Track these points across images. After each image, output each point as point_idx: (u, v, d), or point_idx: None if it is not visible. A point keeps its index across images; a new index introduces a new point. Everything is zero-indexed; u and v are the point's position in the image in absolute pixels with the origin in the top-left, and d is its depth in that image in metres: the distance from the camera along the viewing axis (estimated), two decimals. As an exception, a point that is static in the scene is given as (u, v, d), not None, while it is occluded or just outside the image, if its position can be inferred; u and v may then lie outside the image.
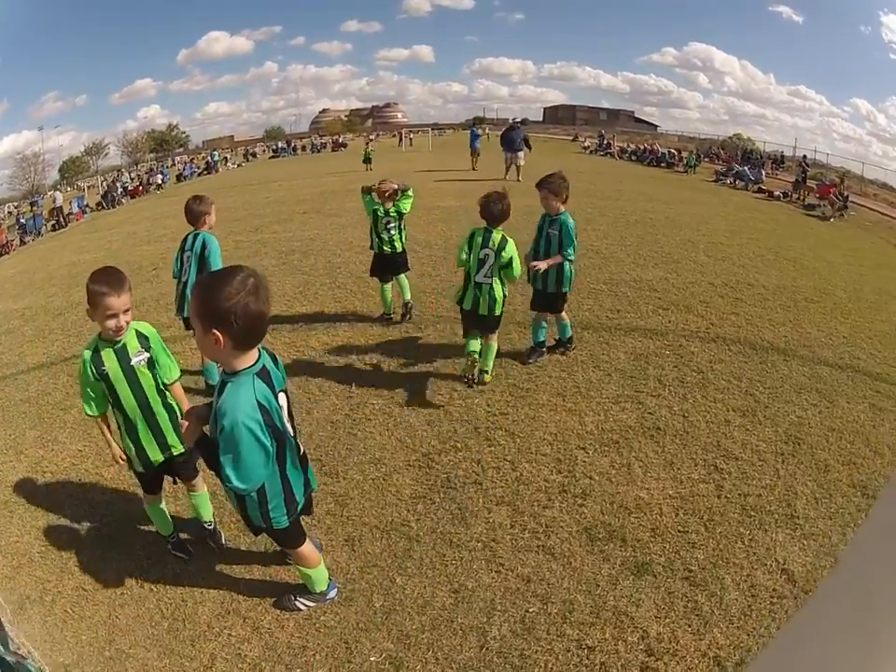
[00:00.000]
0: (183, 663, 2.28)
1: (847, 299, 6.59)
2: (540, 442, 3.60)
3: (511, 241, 4.08)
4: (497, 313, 4.09)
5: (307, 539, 2.36)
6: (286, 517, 2.16)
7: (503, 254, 4.04)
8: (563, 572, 2.60)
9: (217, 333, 1.76)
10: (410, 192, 5.23)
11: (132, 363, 2.51)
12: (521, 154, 15.20)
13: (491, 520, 2.94)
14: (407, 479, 3.28)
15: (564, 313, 4.74)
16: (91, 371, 2.46)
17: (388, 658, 2.22)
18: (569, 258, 4.44)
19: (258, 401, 1.86)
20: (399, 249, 5.27)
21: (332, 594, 2.51)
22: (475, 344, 4.12)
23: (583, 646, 2.24)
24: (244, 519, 2.24)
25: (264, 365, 1.95)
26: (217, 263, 4.07)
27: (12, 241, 17.20)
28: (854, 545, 0.46)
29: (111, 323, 2.47)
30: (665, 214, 11.34)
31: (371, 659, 2.22)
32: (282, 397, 2.02)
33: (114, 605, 2.58)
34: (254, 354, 1.93)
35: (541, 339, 4.75)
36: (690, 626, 2.31)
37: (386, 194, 5.09)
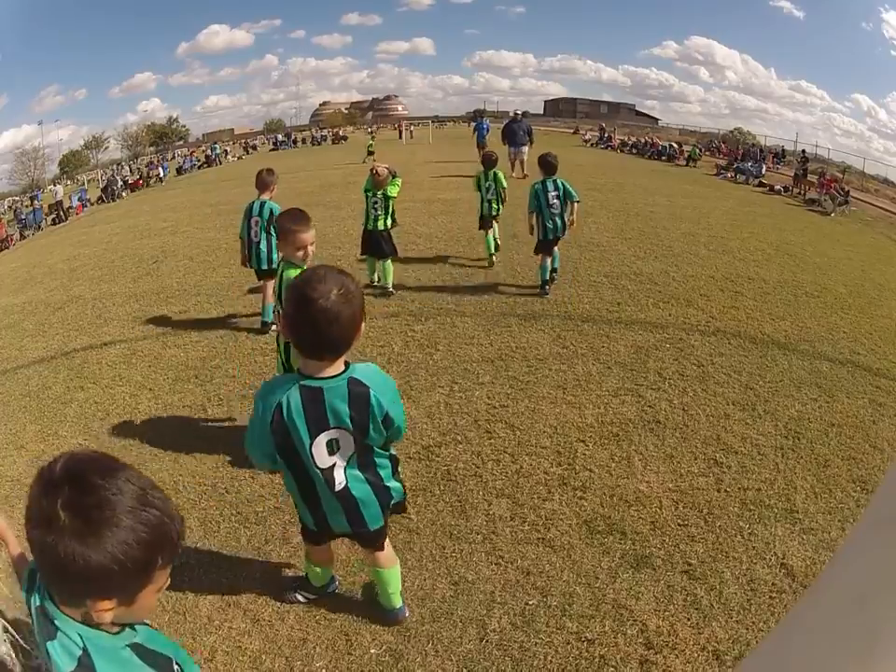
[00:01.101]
0: (184, 655, 2.29)
1: (848, 294, 6.59)
2: (540, 435, 3.60)
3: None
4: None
5: (322, 547, 2.29)
6: (313, 524, 2.06)
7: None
8: (562, 565, 2.60)
9: (288, 336, 1.83)
10: (398, 181, 5.95)
11: None
12: (525, 148, 14.45)
13: (491, 512, 2.95)
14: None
15: None
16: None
17: (388, 650, 2.23)
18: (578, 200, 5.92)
19: (277, 404, 1.76)
20: (381, 227, 5.85)
21: (332, 586, 2.50)
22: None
23: (583, 638, 2.25)
24: None
25: (321, 387, 1.76)
26: None
27: (12, 235, 17.14)
28: (851, 538, 0.46)
29: (300, 253, 3.04)
30: (666, 207, 11.32)
31: (372, 651, 2.23)
32: (336, 433, 1.81)
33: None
34: (322, 369, 1.77)
35: (547, 276, 5.96)
36: (689, 620, 2.32)
37: (380, 178, 5.77)
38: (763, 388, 4.18)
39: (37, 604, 1.08)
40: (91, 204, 21.91)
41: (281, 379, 1.87)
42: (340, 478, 1.88)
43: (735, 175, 19.42)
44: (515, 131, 14.52)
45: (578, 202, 5.83)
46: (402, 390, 4.15)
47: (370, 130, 29.15)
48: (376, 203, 5.80)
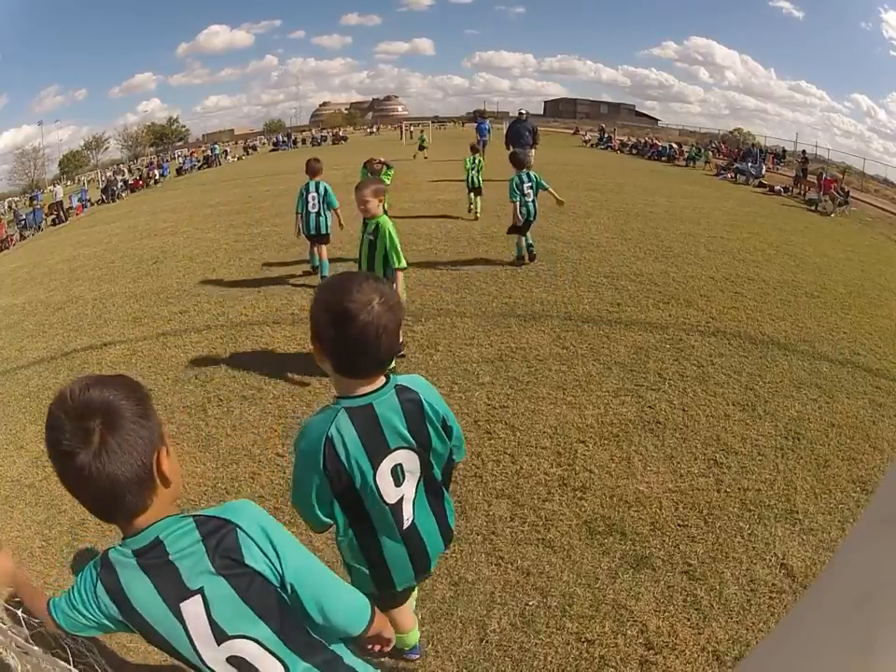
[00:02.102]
0: (184, 655, 2.29)
1: (848, 294, 6.59)
2: (540, 436, 3.60)
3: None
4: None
5: (404, 606, 1.94)
6: (374, 587, 1.68)
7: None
8: (562, 565, 2.60)
9: (317, 345, 1.44)
10: (391, 171, 7.17)
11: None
12: (530, 151, 12.51)
13: (491, 513, 2.95)
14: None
15: None
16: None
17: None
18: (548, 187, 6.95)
19: (326, 438, 1.44)
20: None
21: (413, 656, 2.18)
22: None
23: (583, 639, 2.25)
24: None
25: (371, 405, 1.48)
26: (335, 201, 6.46)
27: (12, 236, 17.15)
28: (851, 538, 0.46)
29: (361, 208, 4.03)
30: (666, 207, 11.32)
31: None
32: (401, 455, 1.54)
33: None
34: (365, 385, 1.49)
35: (524, 252, 7.06)
36: (689, 620, 2.32)
37: (375, 165, 6.94)
38: (763, 389, 4.18)
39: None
40: (91, 205, 21.92)
41: (318, 414, 1.51)
42: (408, 513, 1.61)
43: (735, 176, 19.43)
44: (521, 132, 13.22)
45: (547, 188, 6.90)
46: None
47: (421, 128, 28.83)
48: None
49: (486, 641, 2.25)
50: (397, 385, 1.53)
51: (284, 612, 1.13)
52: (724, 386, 4.20)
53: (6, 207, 26.65)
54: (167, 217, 13.34)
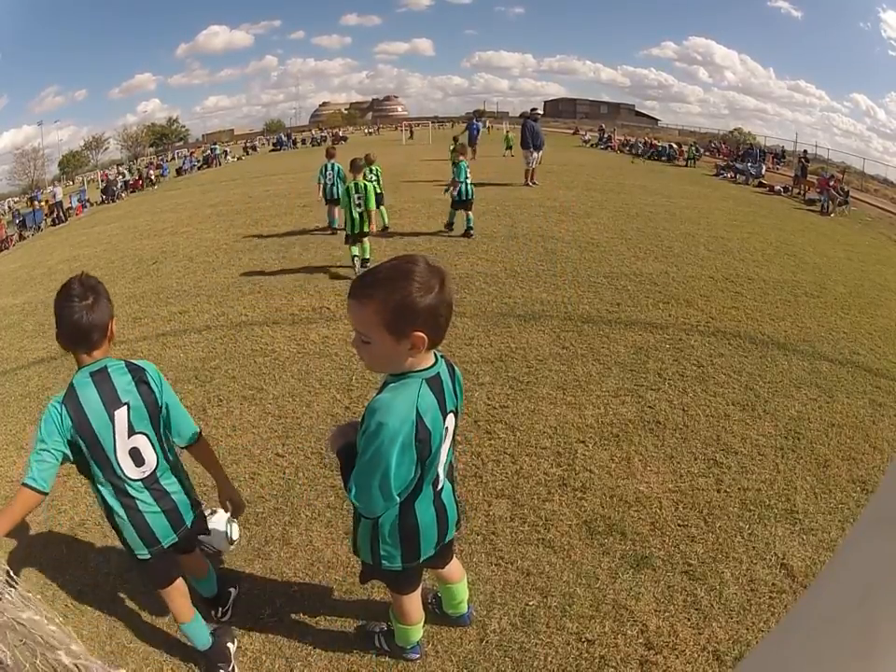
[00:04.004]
0: (184, 656, 2.29)
1: (847, 294, 6.59)
2: (540, 436, 3.60)
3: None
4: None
5: (417, 593, 2.00)
6: (399, 560, 1.77)
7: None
8: (562, 565, 2.60)
9: (420, 335, 1.44)
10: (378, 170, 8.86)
11: None
12: (535, 154, 12.92)
13: (491, 513, 2.95)
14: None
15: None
16: None
17: (388, 651, 2.23)
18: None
19: (418, 410, 1.50)
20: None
21: (414, 655, 2.20)
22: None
23: (583, 639, 2.25)
24: (352, 547, 1.90)
25: (438, 373, 1.58)
26: (345, 177, 8.35)
27: (11, 236, 17.14)
28: (850, 538, 0.46)
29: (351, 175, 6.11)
30: (666, 207, 11.32)
31: (371, 652, 2.23)
32: (450, 419, 1.65)
33: (115, 599, 2.58)
34: (431, 356, 1.58)
35: (472, 225, 8.48)
36: (689, 620, 2.32)
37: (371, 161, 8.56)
38: (763, 388, 4.18)
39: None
40: (91, 205, 21.92)
41: (399, 388, 1.53)
42: (441, 476, 1.74)
43: (735, 176, 19.43)
44: (537, 131, 12.68)
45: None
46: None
47: (507, 127, 28.23)
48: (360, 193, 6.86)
49: (486, 641, 2.25)
50: (444, 359, 1.65)
51: (160, 422, 1.93)
52: (724, 386, 4.20)
53: (5, 207, 26.63)
54: (167, 217, 13.35)
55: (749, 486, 3.13)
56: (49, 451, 1.72)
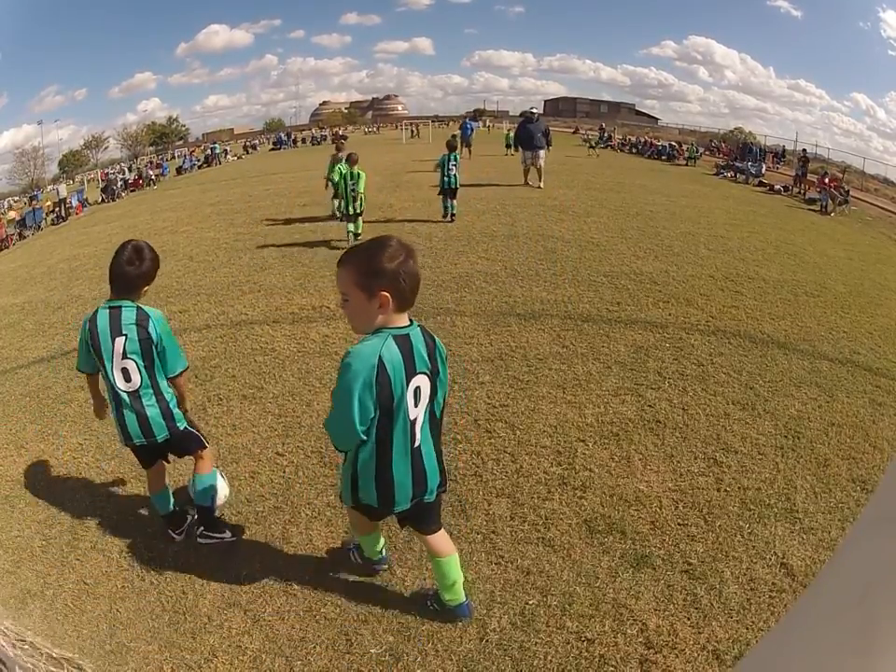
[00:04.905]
0: (184, 655, 2.29)
1: (848, 293, 6.59)
2: (540, 435, 3.60)
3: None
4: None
5: (364, 520, 2.32)
6: (376, 500, 2.05)
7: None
8: (562, 564, 2.60)
9: (387, 294, 1.82)
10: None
11: None
12: (542, 153, 12.52)
13: (491, 512, 2.95)
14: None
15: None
16: None
17: (388, 650, 2.23)
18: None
19: (380, 356, 1.84)
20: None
21: (381, 567, 2.58)
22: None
23: (583, 638, 2.25)
24: (339, 496, 2.29)
25: (408, 334, 1.92)
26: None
27: (12, 235, 17.14)
28: (850, 537, 0.46)
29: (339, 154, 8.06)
30: (666, 206, 11.32)
31: (372, 651, 2.23)
32: (421, 379, 1.95)
33: (115, 598, 2.58)
34: (404, 319, 1.94)
35: (454, 211, 9.41)
36: (689, 619, 2.32)
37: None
38: (763, 388, 4.18)
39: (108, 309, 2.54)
40: (90, 204, 21.92)
41: (369, 339, 1.89)
42: (418, 434, 2.01)
43: (735, 175, 19.42)
44: (532, 133, 12.58)
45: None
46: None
47: (507, 126, 28.12)
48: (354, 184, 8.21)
49: (486, 640, 2.25)
50: (420, 325, 2.00)
51: (152, 355, 2.54)
52: (724, 385, 4.20)
53: (5, 207, 26.61)
54: (167, 216, 13.34)
55: (749, 485, 3.13)
56: (80, 345, 2.65)
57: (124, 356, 2.49)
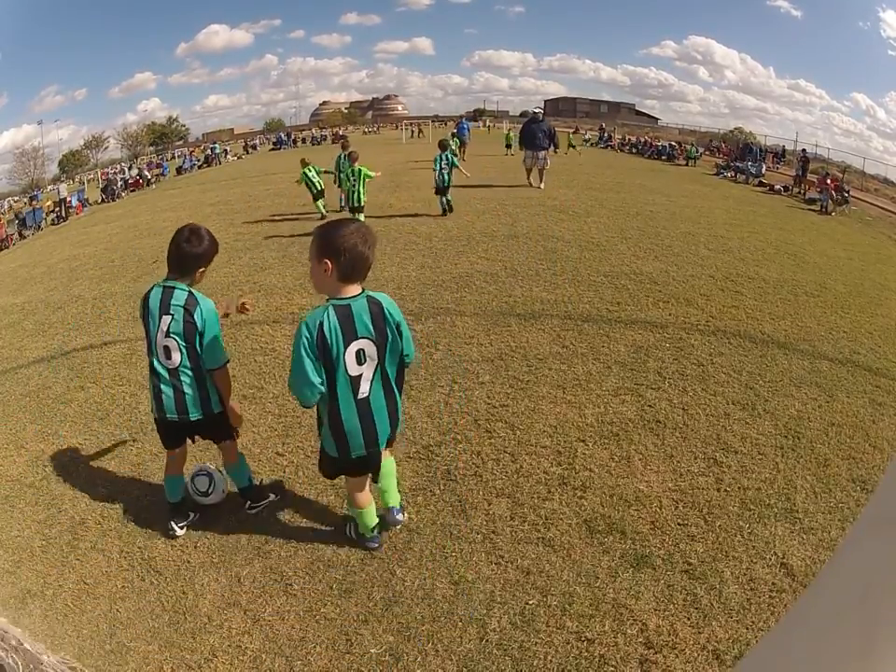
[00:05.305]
0: (184, 655, 2.29)
1: (848, 293, 6.59)
2: (540, 435, 3.60)
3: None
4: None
5: (360, 484, 2.61)
6: (335, 451, 2.42)
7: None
8: (562, 564, 2.60)
9: (328, 262, 2.22)
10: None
11: None
12: (543, 154, 12.31)
13: (491, 512, 2.95)
14: (407, 471, 3.28)
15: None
16: None
17: (388, 650, 2.23)
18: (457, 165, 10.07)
19: (319, 323, 2.22)
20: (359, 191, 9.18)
21: (374, 545, 2.71)
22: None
23: (583, 638, 2.25)
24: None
25: (349, 305, 2.27)
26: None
27: (11, 235, 17.15)
28: (850, 537, 0.46)
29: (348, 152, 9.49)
30: (666, 206, 11.32)
31: (371, 651, 2.23)
32: (363, 343, 2.28)
33: (115, 598, 2.59)
34: (350, 291, 2.29)
35: (447, 206, 9.85)
36: (689, 619, 2.32)
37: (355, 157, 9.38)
38: (763, 388, 4.18)
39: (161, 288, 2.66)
40: (90, 204, 21.91)
41: (316, 310, 2.29)
42: (364, 388, 2.34)
43: (735, 175, 19.42)
44: (535, 133, 12.27)
45: (457, 166, 9.97)
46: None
47: (507, 126, 28.13)
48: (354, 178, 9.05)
49: (486, 640, 2.25)
50: (368, 296, 2.32)
51: (194, 339, 2.61)
52: (724, 385, 4.20)
53: (6, 207, 26.61)
54: (167, 216, 13.35)
55: (749, 485, 3.13)
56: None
57: (167, 334, 2.60)
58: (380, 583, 2.55)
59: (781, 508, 2.95)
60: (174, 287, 2.63)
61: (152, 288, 2.67)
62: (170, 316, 2.59)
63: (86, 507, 3.20)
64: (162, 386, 2.65)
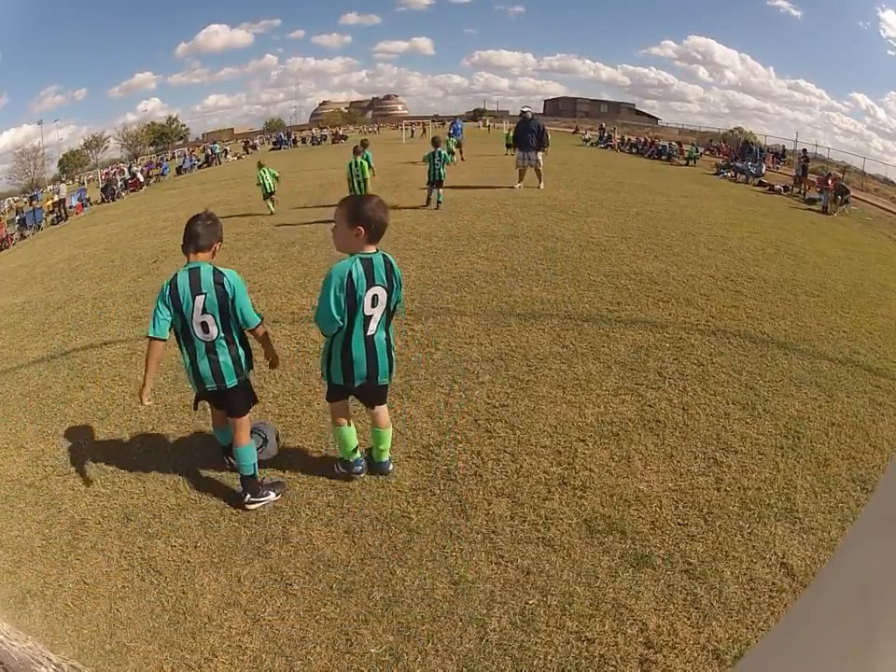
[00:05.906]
0: (184, 655, 2.29)
1: (848, 293, 6.59)
2: (540, 434, 3.60)
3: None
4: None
5: (344, 409, 3.07)
6: (341, 378, 2.88)
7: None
8: (562, 564, 2.60)
9: (361, 228, 2.72)
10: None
11: None
12: (533, 154, 12.16)
13: (491, 512, 2.95)
14: (407, 470, 3.29)
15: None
16: None
17: (388, 650, 2.23)
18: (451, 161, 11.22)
19: (349, 271, 2.70)
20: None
21: (357, 469, 3.18)
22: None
23: (583, 638, 2.25)
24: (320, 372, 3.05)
25: (372, 259, 2.77)
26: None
27: (12, 235, 17.15)
28: (850, 537, 0.46)
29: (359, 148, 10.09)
30: (666, 206, 11.32)
31: (371, 651, 2.23)
32: (378, 289, 2.78)
33: (115, 598, 2.59)
34: (371, 249, 2.80)
35: (441, 200, 10.52)
36: (689, 619, 2.32)
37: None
38: (763, 387, 4.18)
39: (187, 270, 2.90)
40: (91, 204, 21.91)
41: (345, 259, 2.77)
42: (372, 327, 2.83)
43: (735, 175, 19.41)
44: (524, 133, 12.26)
45: (451, 162, 11.18)
46: (402, 389, 4.15)
47: (507, 126, 28.21)
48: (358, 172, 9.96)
49: (486, 640, 2.25)
50: (383, 254, 2.84)
51: (227, 310, 2.88)
52: (724, 385, 4.20)
53: (6, 207, 26.59)
54: (167, 216, 13.35)
55: (749, 485, 3.13)
56: (160, 311, 2.81)
57: (203, 311, 2.83)
58: (380, 583, 2.55)
59: (781, 508, 2.95)
60: (199, 268, 2.88)
61: (177, 274, 2.86)
62: (203, 295, 2.82)
63: (86, 507, 3.20)
64: (199, 360, 2.88)
